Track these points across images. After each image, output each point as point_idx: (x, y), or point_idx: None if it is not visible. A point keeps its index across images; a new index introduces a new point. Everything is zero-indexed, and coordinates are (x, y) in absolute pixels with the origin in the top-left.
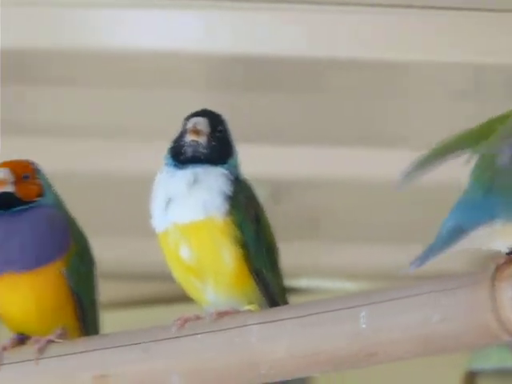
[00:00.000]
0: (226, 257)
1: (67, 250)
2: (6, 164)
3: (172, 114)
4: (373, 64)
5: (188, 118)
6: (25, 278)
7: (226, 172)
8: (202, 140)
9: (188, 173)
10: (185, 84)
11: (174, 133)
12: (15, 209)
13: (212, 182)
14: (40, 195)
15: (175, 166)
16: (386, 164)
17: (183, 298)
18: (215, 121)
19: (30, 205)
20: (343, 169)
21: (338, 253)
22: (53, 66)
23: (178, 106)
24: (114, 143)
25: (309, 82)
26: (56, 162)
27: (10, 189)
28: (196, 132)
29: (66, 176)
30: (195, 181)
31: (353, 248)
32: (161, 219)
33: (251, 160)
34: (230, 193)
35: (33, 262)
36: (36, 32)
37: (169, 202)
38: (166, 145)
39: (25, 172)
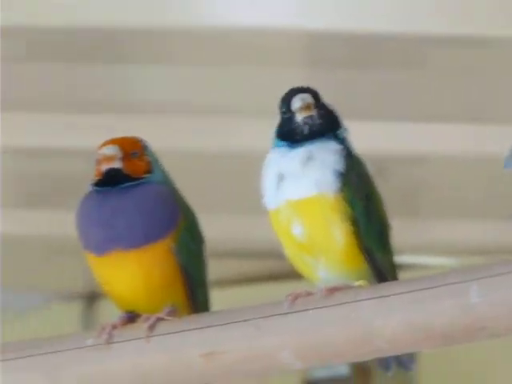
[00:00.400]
0: (337, 233)
1: (176, 225)
2: (114, 141)
3: (272, 92)
4: (476, 40)
5: (288, 97)
6: (133, 255)
7: (339, 147)
8: (314, 114)
9: (301, 151)
10: (284, 61)
11: (273, 110)
12: (123, 185)
13: (325, 158)
14: (148, 172)
15: (288, 145)
16: (489, 140)
17: (292, 275)
18: (316, 95)
19: (138, 181)
20: (445, 144)
21: (438, 229)
22: (151, 44)
23: (277, 84)
24: (215, 121)
25: (411, 59)
26: (160, 140)
27: (117, 165)
28: (308, 108)
29: (170, 154)
30: (309, 158)
31: (454, 224)
32: (273, 197)
33: (353, 137)
34: (342, 170)
35: (141, 238)
36: (132, 10)
37: (281, 179)
38: (267, 122)
39: (133, 149)
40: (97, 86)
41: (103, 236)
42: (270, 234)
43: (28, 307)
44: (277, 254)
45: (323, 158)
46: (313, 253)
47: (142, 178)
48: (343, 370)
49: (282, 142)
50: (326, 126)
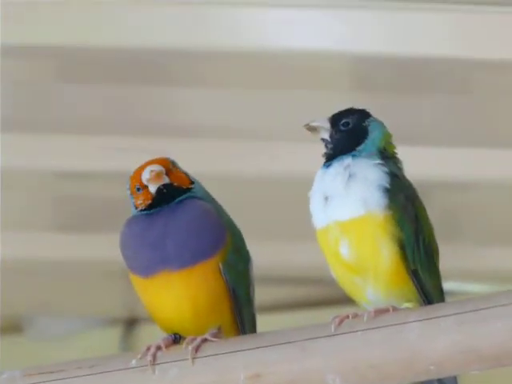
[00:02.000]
0: (384, 254)
1: (224, 244)
2: (151, 161)
3: (317, 116)
4: None
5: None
6: (181, 276)
7: (378, 162)
8: (325, 136)
9: (338, 165)
10: (330, 85)
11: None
12: (173, 202)
13: (368, 174)
14: (191, 183)
15: (325, 164)
16: None
17: (338, 301)
18: (341, 115)
19: (188, 193)
20: (488, 170)
21: (481, 255)
22: (194, 66)
23: (323, 108)
24: (257, 145)
25: (457, 83)
26: (199, 163)
27: (166, 180)
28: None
29: (209, 178)
30: (351, 176)
31: (496, 251)
32: (320, 217)
33: None
34: (387, 185)
35: (190, 258)
36: (176, 32)
37: (326, 199)
38: (311, 146)
39: (168, 163)
40: (137, 109)
41: (152, 258)
42: (313, 260)
43: (68, 332)
44: (320, 280)
45: (365, 174)
46: (360, 273)
47: (190, 190)
48: None
49: (325, 163)
50: (340, 146)
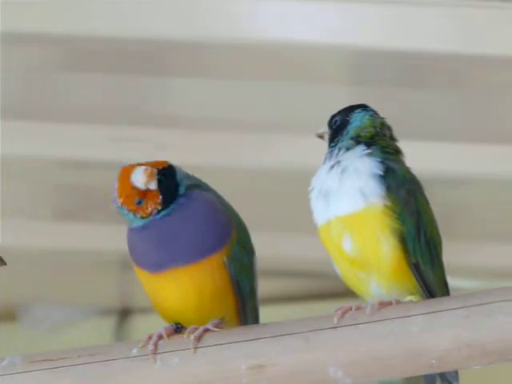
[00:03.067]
0: (385, 248)
1: (230, 239)
2: (124, 175)
3: (318, 108)
4: None
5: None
6: (187, 271)
7: (365, 152)
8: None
9: (329, 163)
10: (331, 78)
11: (320, 127)
12: (179, 198)
13: (358, 165)
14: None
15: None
16: None
17: (341, 294)
18: (334, 115)
19: (190, 183)
20: (486, 166)
21: (477, 251)
22: (198, 57)
23: (324, 100)
24: (260, 137)
25: (457, 79)
26: (204, 155)
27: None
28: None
29: (214, 170)
30: (343, 170)
31: (490, 246)
32: (321, 213)
33: None
34: (381, 172)
35: (198, 254)
36: (181, 23)
37: (325, 195)
38: (307, 138)
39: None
40: (137, 99)
41: (160, 256)
42: (316, 254)
43: (63, 321)
44: (324, 273)
45: (355, 166)
46: (363, 268)
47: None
48: None
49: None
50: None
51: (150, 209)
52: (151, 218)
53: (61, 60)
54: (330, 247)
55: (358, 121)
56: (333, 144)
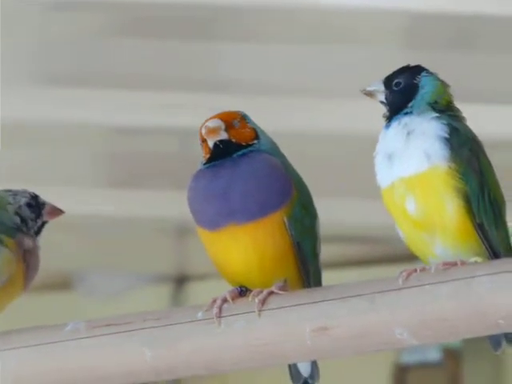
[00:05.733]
0: (449, 209)
1: (290, 198)
2: (214, 116)
3: (372, 73)
4: None
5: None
6: (247, 229)
7: (433, 116)
8: (381, 99)
9: (396, 125)
10: (386, 42)
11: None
12: (235, 154)
13: (425, 127)
14: (255, 138)
15: (385, 125)
16: None
17: (402, 258)
18: (394, 76)
19: (249, 148)
20: None
21: None
22: (259, 22)
23: (378, 65)
24: (313, 101)
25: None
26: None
27: (224, 136)
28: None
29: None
30: (409, 132)
31: None
32: (385, 175)
33: None
34: (447, 135)
35: (256, 212)
36: None
37: (390, 158)
38: (367, 103)
39: (233, 119)
40: (192, 64)
41: (218, 211)
42: (380, 218)
43: (118, 289)
44: (388, 238)
45: (422, 129)
46: (427, 229)
47: (252, 145)
48: (434, 354)
49: (385, 124)
50: (395, 103)
51: (204, 153)
52: (208, 165)
53: (113, 27)
54: (394, 209)
55: (430, 85)
56: (399, 107)
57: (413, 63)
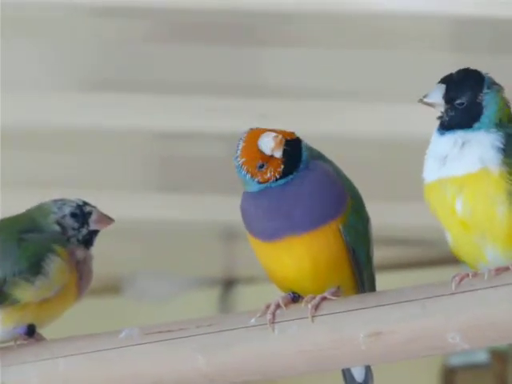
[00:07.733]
0: (500, 211)
1: (345, 206)
2: (255, 135)
3: (418, 77)
4: None
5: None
6: (303, 239)
7: (493, 130)
8: (440, 110)
9: (452, 137)
10: (431, 47)
11: (418, 95)
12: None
13: (481, 139)
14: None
15: (440, 131)
16: None
17: (448, 261)
18: (456, 92)
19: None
20: None
21: None
22: (290, 27)
23: (423, 70)
24: (358, 106)
25: None
26: (299, 124)
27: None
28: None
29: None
30: (464, 143)
31: None
32: (433, 170)
33: None
34: (502, 145)
35: (314, 222)
36: None
37: (442, 159)
38: (413, 107)
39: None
40: (239, 69)
41: (276, 224)
42: (428, 221)
43: (167, 293)
44: (437, 241)
45: (479, 139)
46: (476, 230)
47: (301, 141)
48: (482, 356)
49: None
50: (457, 121)
51: (269, 175)
52: (268, 184)
53: (161, 33)
54: (440, 209)
55: (493, 104)
56: (461, 124)
57: (459, 67)
